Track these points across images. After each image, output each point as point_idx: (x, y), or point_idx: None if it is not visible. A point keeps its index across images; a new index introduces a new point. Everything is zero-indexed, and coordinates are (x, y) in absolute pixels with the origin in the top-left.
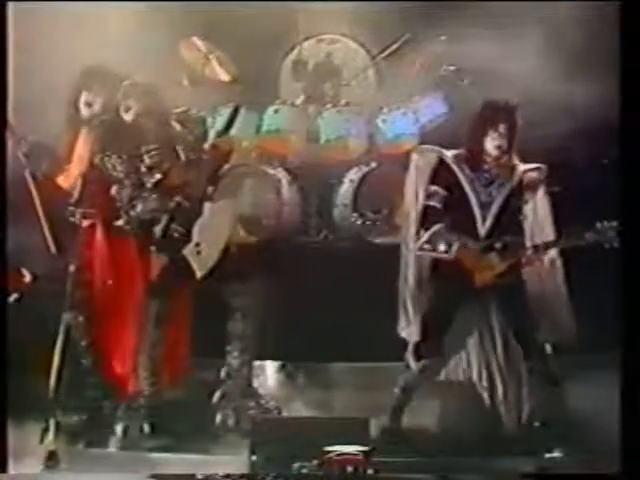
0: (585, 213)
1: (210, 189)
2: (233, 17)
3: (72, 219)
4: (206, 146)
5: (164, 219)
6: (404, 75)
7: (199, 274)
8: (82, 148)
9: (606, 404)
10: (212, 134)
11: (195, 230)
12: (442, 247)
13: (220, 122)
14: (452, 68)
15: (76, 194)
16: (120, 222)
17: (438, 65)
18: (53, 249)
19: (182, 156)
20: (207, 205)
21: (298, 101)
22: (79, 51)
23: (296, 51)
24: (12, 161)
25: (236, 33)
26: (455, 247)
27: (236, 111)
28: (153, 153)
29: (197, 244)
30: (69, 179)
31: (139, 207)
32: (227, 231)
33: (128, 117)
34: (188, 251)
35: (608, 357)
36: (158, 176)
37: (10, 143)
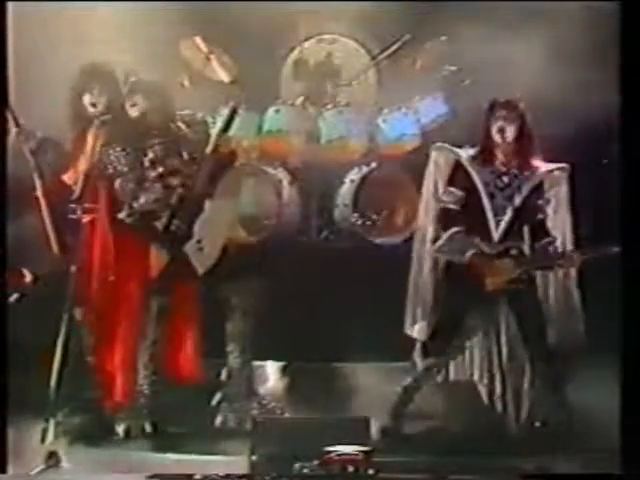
0: (585, 214)
1: (211, 187)
2: (233, 17)
3: (74, 216)
4: (208, 149)
5: (166, 214)
6: (405, 75)
7: (200, 271)
8: (89, 145)
9: (606, 404)
10: (212, 136)
11: (196, 227)
12: (457, 251)
13: (219, 123)
14: (453, 68)
15: (78, 190)
16: (122, 215)
17: (439, 65)
18: (56, 249)
19: (185, 155)
20: (208, 203)
21: (299, 101)
22: (79, 51)
23: (296, 51)
24: (17, 159)
25: (236, 33)
26: (470, 252)
27: (234, 112)
28: (157, 148)
29: (199, 241)
30: (75, 176)
31: (142, 198)
32: (228, 229)
33: (134, 113)
34: (189, 248)
35: (608, 357)
36: (161, 170)
37: (17, 140)
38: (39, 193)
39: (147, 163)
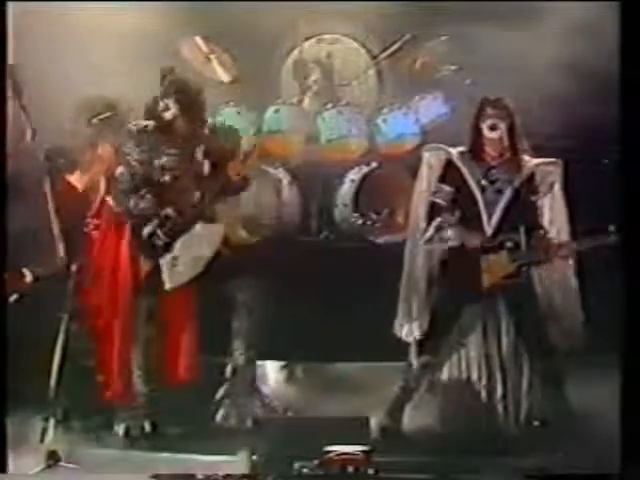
0: (585, 214)
1: (209, 211)
2: (233, 17)
3: (86, 229)
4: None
5: (154, 223)
6: (405, 75)
7: (167, 286)
8: (103, 150)
9: (606, 404)
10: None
11: (178, 244)
12: (444, 238)
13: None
14: (453, 68)
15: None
16: (109, 198)
17: (439, 65)
18: (61, 250)
19: (205, 167)
20: (199, 226)
21: (298, 101)
22: (79, 51)
23: (296, 51)
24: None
25: (237, 33)
26: (455, 234)
27: None
28: (172, 158)
29: (174, 257)
30: (83, 180)
31: (136, 198)
32: (210, 255)
33: (165, 117)
34: (164, 261)
35: (608, 357)
36: (167, 178)
37: (32, 143)
38: (48, 195)
39: (157, 165)
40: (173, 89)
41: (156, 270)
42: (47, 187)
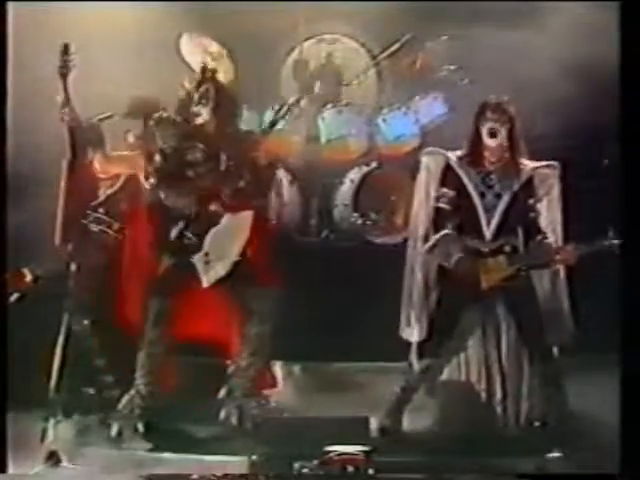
0: (586, 214)
1: (234, 202)
2: (234, 17)
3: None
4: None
5: (180, 224)
6: (405, 75)
7: (205, 284)
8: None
9: (606, 404)
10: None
11: (207, 239)
12: (445, 254)
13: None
14: (452, 68)
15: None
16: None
17: (439, 65)
18: (57, 240)
19: (222, 165)
20: (227, 216)
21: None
22: (79, 51)
23: (296, 51)
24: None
25: (237, 33)
26: (455, 257)
27: (279, 111)
28: (199, 155)
29: (206, 254)
30: (106, 165)
31: (167, 186)
32: (240, 245)
33: (197, 120)
34: (197, 259)
35: (608, 358)
36: (191, 173)
37: (60, 113)
38: (63, 176)
39: (189, 158)
40: (210, 98)
41: (177, 268)
42: (64, 172)
